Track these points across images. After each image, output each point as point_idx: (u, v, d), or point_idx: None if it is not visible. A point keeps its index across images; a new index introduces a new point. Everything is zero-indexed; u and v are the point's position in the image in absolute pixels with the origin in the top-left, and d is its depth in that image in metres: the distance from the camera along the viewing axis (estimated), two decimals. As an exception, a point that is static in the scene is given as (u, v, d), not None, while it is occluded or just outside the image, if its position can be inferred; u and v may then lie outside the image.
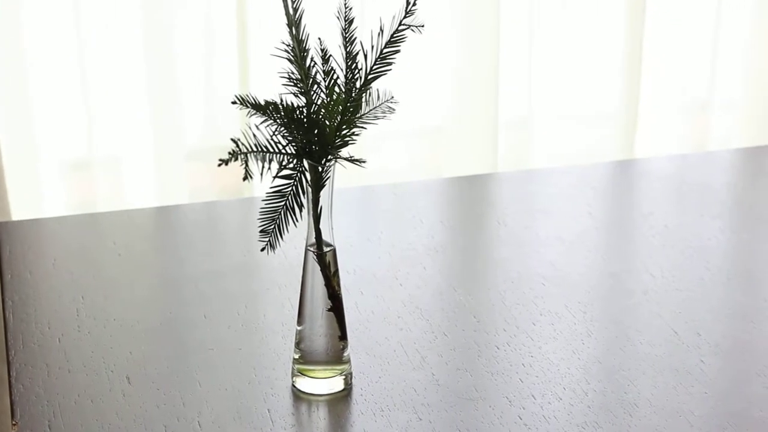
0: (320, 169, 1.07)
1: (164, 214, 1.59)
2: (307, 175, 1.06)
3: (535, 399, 1.12)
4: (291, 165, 1.06)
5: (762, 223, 1.51)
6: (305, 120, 1.05)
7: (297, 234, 1.14)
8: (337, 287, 1.12)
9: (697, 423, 1.09)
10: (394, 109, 1.07)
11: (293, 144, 1.05)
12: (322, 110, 1.05)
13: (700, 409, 1.11)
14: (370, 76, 1.05)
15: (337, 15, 1.06)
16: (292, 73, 1.06)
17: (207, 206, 1.59)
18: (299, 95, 1.06)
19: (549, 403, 1.12)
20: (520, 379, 1.15)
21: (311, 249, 1.11)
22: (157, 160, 2.35)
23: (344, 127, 1.05)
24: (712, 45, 2.65)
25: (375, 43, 1.05)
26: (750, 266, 1.40)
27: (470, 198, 1.59)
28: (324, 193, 1.08)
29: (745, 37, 2.64)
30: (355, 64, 1.05)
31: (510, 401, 1.12)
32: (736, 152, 1.77)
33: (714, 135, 2.72)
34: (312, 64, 1.06)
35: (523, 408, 1.11)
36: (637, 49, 2.53)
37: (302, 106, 1.05)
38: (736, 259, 1.42)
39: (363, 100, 1.06)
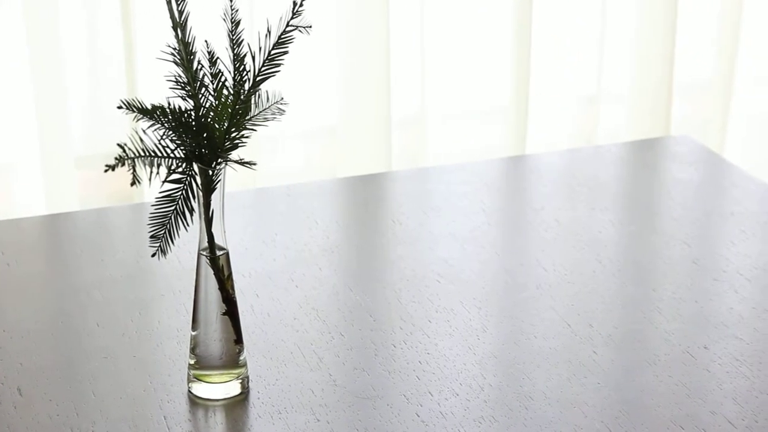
0: (210, 172, 1.06)
1: (54, 222, 1.56)
2: (197, 178, 1.06)
3: (432, 396, 1.13)
4: (180, 169, 1.05)
5: (650, 215, 1.54)
6: (194, 123, 1.04)
7: (190, 238, 1.13)
8: (231, 291, 1.11)
9: (590, 413, 1.11)
10: (284, 111, 1.06)
11: (182, 148, 1.04)
12: (211, 113, 1.05)
13: (594, 399, 1.13)
14: (258, 78, 1.05)
15: (224, 17, 1.05)
16: (180, 76, 1.05)
17: (97, 213, 1.57)
18: (187, 98, 1.05)
19: (446, 399, 1.13)
20: (417, 377, 1.16)
21: (204, 253, 1.10)
22: (45, 168, 2.31)
23: (233, 129, 1.05)
24: (599, 38, 2.68)
25: (263, 45, 1.04)
26: (639, 258, 1.42)
27: (365, 197, 1.60)
28: (215, 197, 1.07)
29: (631, 29, 2.68)
30: (243, 66, 1.05)
31: (407, 399, 1.13)
32: (624, 146, 1.79)
33: (603, 128, 2.76)
34: (199, 67, 1.05)
35: (421, 405, 1.12)
36: (525, 44, 2.55)
37: (190, 110, 1.05)
38: (625, 251, 1.44)
39: (252, 102, 1.05)
